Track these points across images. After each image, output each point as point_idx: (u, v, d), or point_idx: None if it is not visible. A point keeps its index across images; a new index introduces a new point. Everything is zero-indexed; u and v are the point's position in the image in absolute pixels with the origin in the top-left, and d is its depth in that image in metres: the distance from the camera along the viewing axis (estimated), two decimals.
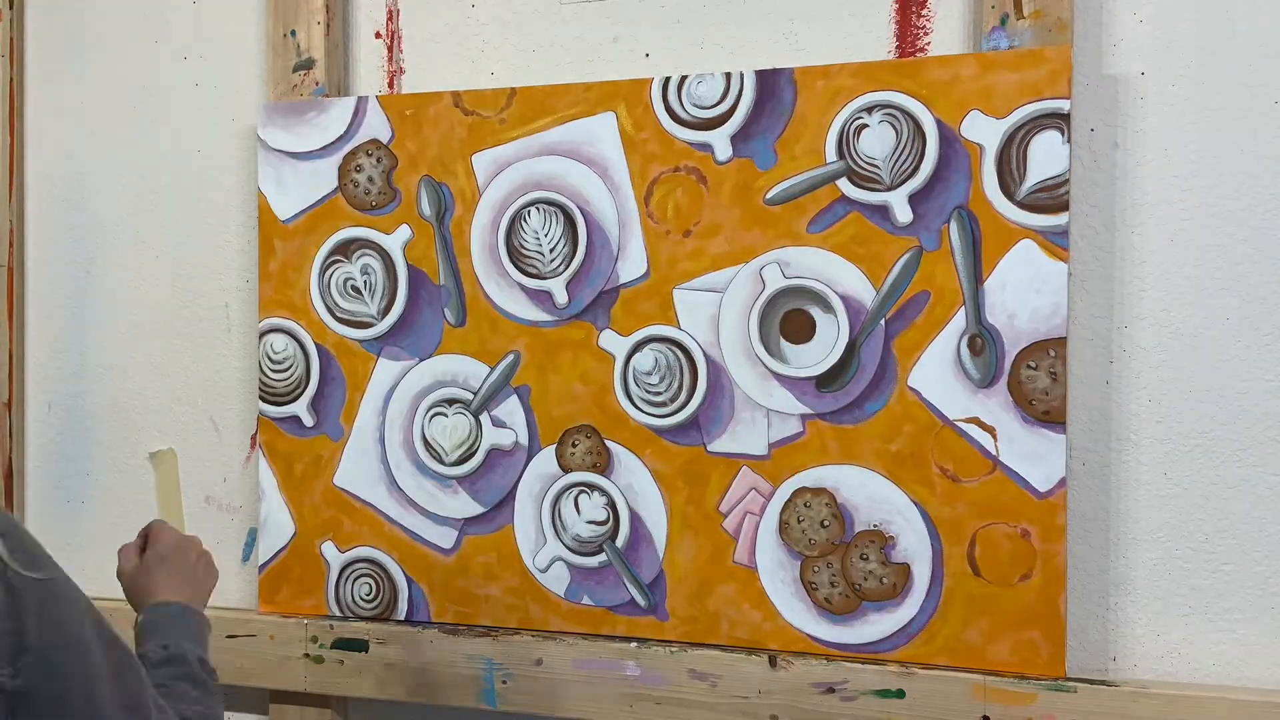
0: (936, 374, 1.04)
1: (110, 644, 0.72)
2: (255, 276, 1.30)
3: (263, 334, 1.27)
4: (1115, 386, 1.05)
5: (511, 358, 1.18)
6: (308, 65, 1.27)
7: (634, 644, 1.13)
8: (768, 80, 1.09)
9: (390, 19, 1.28)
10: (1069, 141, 1.00)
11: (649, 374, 1.13)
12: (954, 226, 1.04)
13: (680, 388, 1.13)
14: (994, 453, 1.02)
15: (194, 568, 0.98)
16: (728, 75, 1.10)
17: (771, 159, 1.09)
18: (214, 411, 1.36)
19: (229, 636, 1.25)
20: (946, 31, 1.09)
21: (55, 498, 1.43)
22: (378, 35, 1.29)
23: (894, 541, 1.06)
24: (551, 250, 1.16)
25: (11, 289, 1.42)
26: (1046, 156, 1.00)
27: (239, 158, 1.34)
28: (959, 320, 1.04)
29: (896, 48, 1.10)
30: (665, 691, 1.11)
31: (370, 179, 1.22)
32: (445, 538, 1.21)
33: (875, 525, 1.06)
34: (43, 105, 1.44)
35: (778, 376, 1.09)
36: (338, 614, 1.24)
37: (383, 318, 1.23)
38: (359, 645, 1.21)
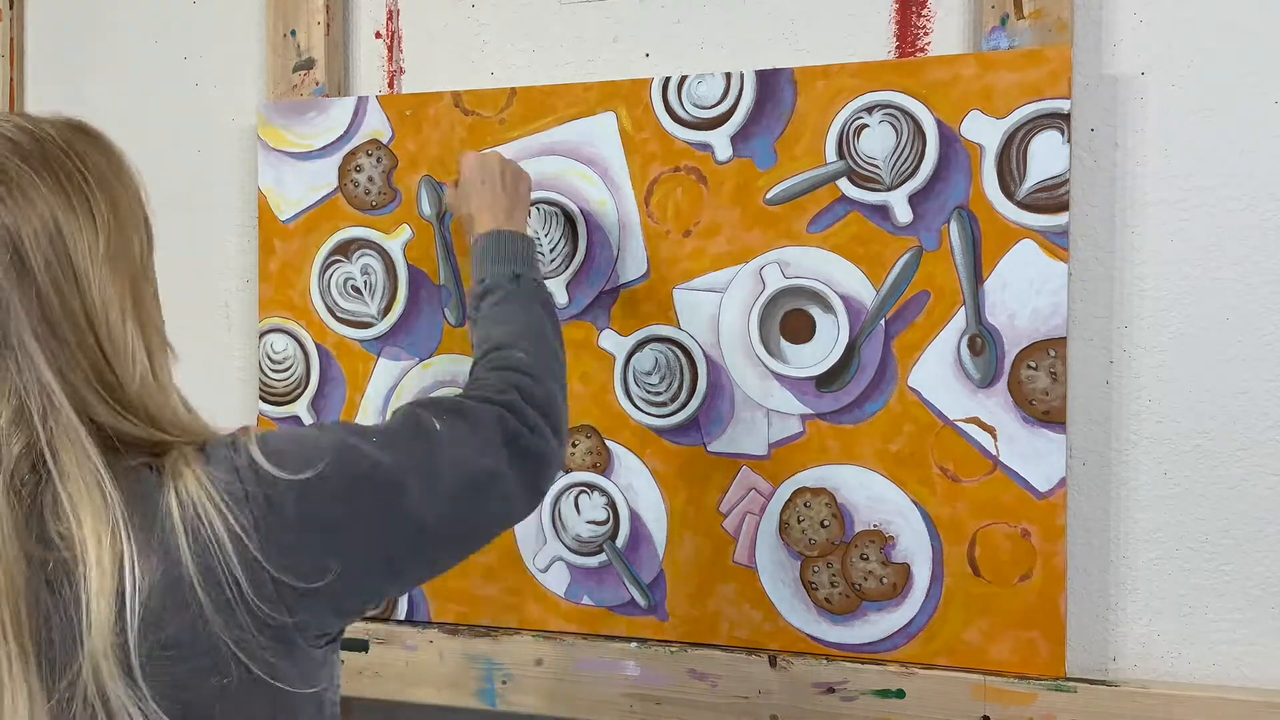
0: (936, 374, 1.04)
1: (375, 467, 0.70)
2: (255, 276, 1.30)
3: (263, 334, 1.27)
4: (1115, 386, 1.05)
5: None
6: (308, 65, 1.27)
7: (634, 644, 1.13)
8: (768, 80, 1.09)
9: (390, 19, 1.28)
10: (1069, 141, 1.00)
11: (649, 374, 1.13)
12: (954, 226, 1.04)
13: (680, 388, 1.13)
14: (994, 453, 1.02)
15: (500, 181, 0.99)
16: (728, 75, 1.10)
17: (771, 159, 1.09)
18: (214, 411, 1.35)
19: None
20: (946, 31, 1.09)
21: None
22: (378, 35, 1.29)
23: (894, 541, 1.06)
24: (552, 250, 1.16)
25: None
26: (1046, 156, 1.00)
27: (239, 158, 1.34)
28: (959, 320, 1.04)
29: (896, 48, 1.10)
30: (665, 691, 1.11)
31: (370, 179, 1.22)
32: None
33: (875, 525, 1.06)
34: (43, 105, 1.44)
35: (778, 376, 1.09)
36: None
37: (383, 318, 1.23)
38: (359, 645, 1.21)
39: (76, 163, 0.65)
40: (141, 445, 0.64)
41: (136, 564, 0.60)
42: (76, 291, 0.63)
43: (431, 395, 0.80)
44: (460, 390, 0.84)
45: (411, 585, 0.70)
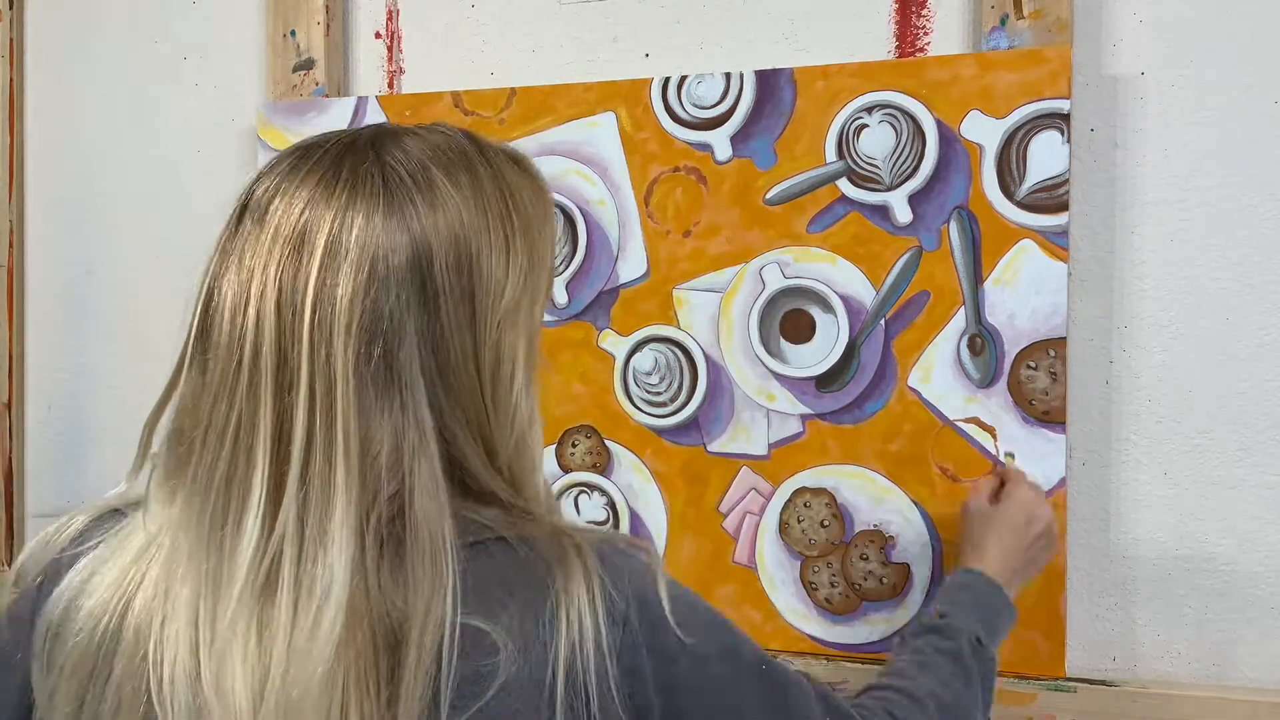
0: (936, 374, 1.04)
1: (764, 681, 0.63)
2: None
3: None
4: (1115, 386, 1.05)
5: None
6: (308, 65, 1.27)
7: None
8: (768, 80, 1.09)
9: (390, 19, 1.28)
10: (1069, 141, 1.00)
11: (649, 374, 1.13)
12: (954, 226, 1.04)
13: (680, 388, 1.13)
14: (994, 453, 1.02)
15: (1033, 540, 0.89)
16: (728, 75, 1.10)
17: (771, 159, 1.09)
18: None
19: None
20: (946, 31, 1.09)
21: (55, 498, 1.43)
22: (378, 35, 1.29)
23: (894, 541, 1.06)
24: (552, 252, 1.16)
25: (11, 289, 1.42)
26: (1046, 156, 1.00)
27: (239, 158, 1.34)
28: (959, 320, 1.04)
29: (896, 48, 1.10)
30: None
31: None
32: None
33: (875, 525, 1.06)
34: (43, 105, 1.44)
35: (778, 376, 1.09)
36: None
37: None
38: None
39: (507, 195, 0.60)
40: (497, 517, 0.58)
41: (463, 642, 0.54)
42: (472, 335, 0.57)
43: (827, 687, 0.68)
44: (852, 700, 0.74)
45: None
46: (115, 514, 0.64)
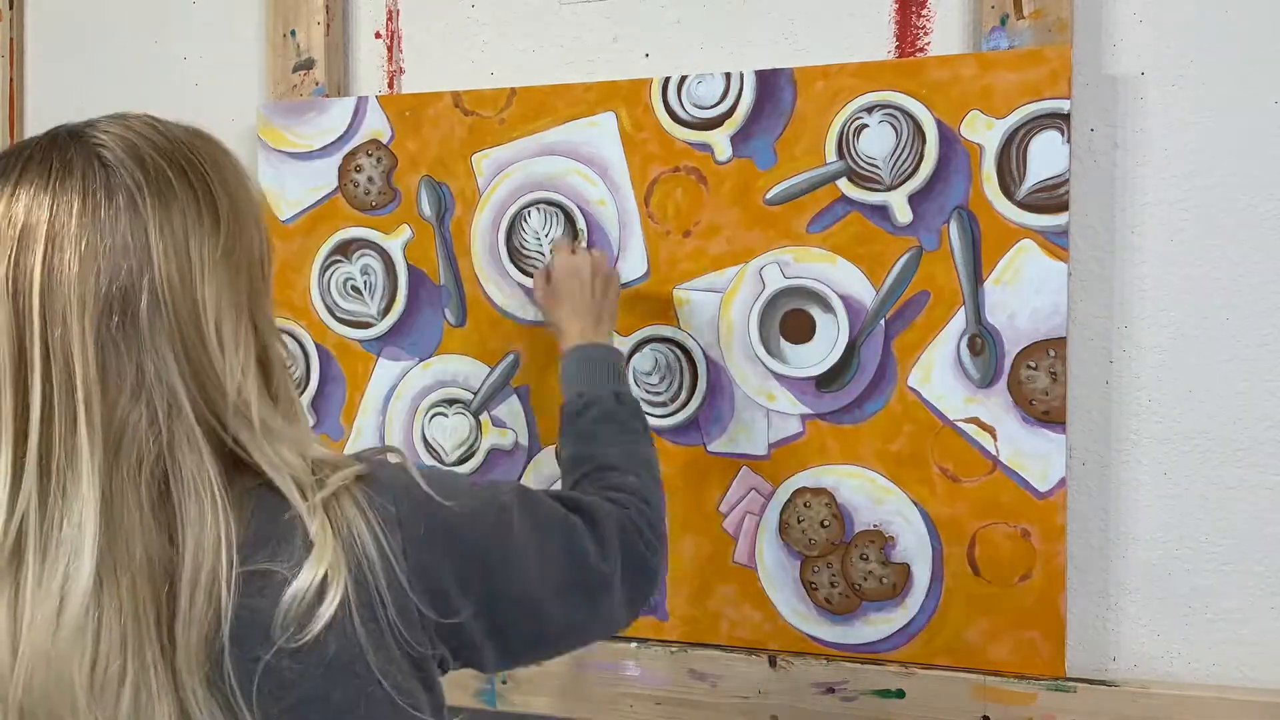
0: (936, 374, 1.04)
1: (521, 515, 0.71)
2: None
3: None
4: (1115, 386, 1.05)
5: (512, 358, 1.18)
6: (308, 65, 1.27)
7: (634, 644, 1.13)
8: (768, 80, 1.09)
9: (390, 19, 1.28)
10: (1069, 141, 1.00)
11: (649, 374, 1.13)
12: (954, 226, 1.04)
13: (680, 388, 1.13)
14: (994, 453, 1.02)
15: (590, 288, 0.99)
16: (728, 75, 1.10)
17: (771, 159, 1.09)
18: None
19: None
20: (946, 31, 1.09)
21: None
22: (378, 35, 1.29)
23: (894, 541, 1.06)
24: (552, 250, 1.16)
25: None
26: (1046, 156, 1.00)
27: (239, 157, 1.34)
28: (959, 320, 1.04)
29: (896, 48, 1.10)
30: (665, 691, 1.11)
31: (370, 179, 1.22)
32: None
33: (875, 525, 1.06)
34: (43, 105, 1.44)
35: (778, 376, 1.09)
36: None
37: (383, 318, 1.23)
38: None
39: (195, 160, 0.64)
40: (268, 461, 0.62)
41: (242, 584, 0.58)
42: (193, 292, 0.61)
43: (560, 491, 0.81)
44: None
45: (509, 660, 0.72)
46: None
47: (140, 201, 0.60)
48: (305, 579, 0.58)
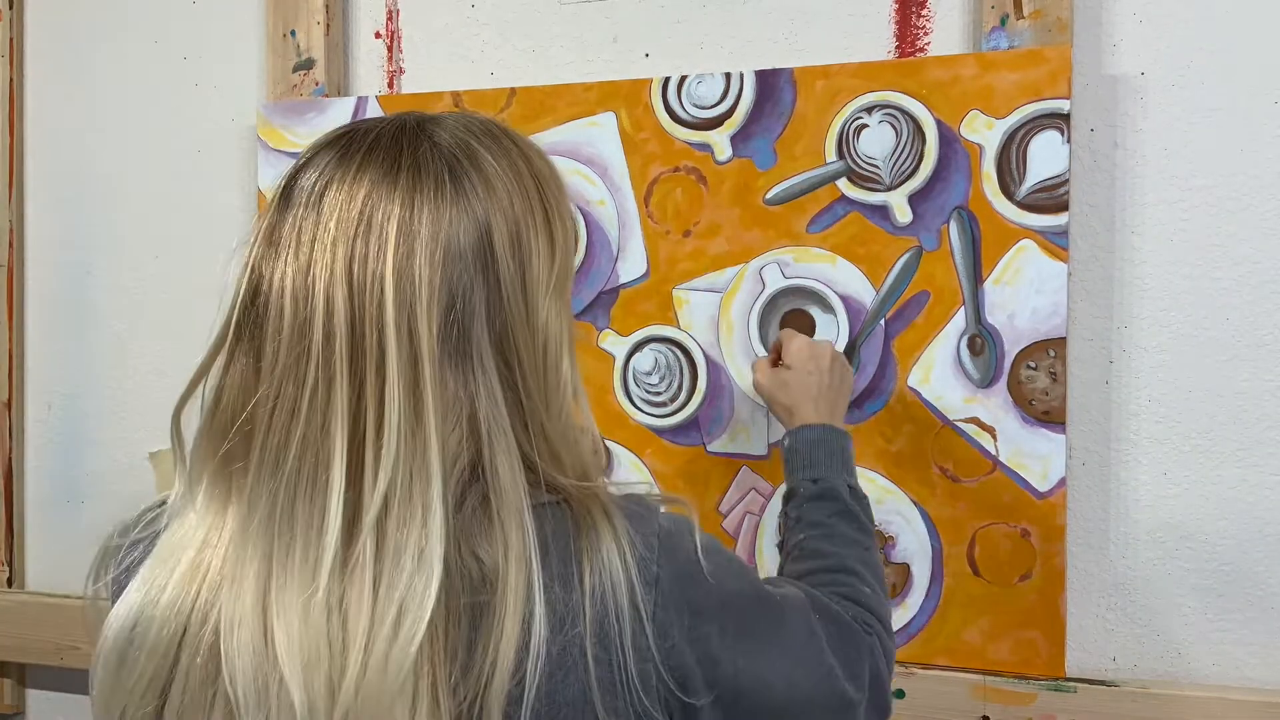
0: (936, 374, 1.04)
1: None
2: None
3: None
4: (1115, 386, 1.05)
5: None
6: (308, 65, 1.27)
7: None
8: (768, 80, 1.09)
9: (390, 19, 1.28)
10: (1069, 141, 1.00)
11: (649, 374, 1.13)
12: (954, 226, 1.04)
13: (680, 388, 1.13)
14: (994, 453, 1.02)
15: (829, 376, 0.92)
16: (728, 75, 1.10)
17: (771, 159, 1.09)
18: None
19: None
20: (946, 31, 1.09)
21: (55, 498, 1.43)
22: (378, 35, 1.29)
23: (894, 541, 1.06)
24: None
25: (11, 289, 1.42)
26: (1046, 156, 1.00)
27: (239, 158, 1.34)
28: (959, 320, 1.04)
29: (896, 48, 1.10)
30: None
31: None
32: None
33: (875, 525, 1.06)
34: (43, 105, 1.44)
35: None
36: None
37: None
38: None
39: (536, 176, 0.63)
40: (550, 484, 0.60)
41: (542, 609, 0.55)
42: (525, 308, 0.59)
43: (807, 588, 0.73)
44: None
45: None
46: (153, 511, 0.66)
47: (487, 214, 0.59)
48: (555, 610, 0.56)
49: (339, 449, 0.55)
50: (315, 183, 0.59)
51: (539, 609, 0.55)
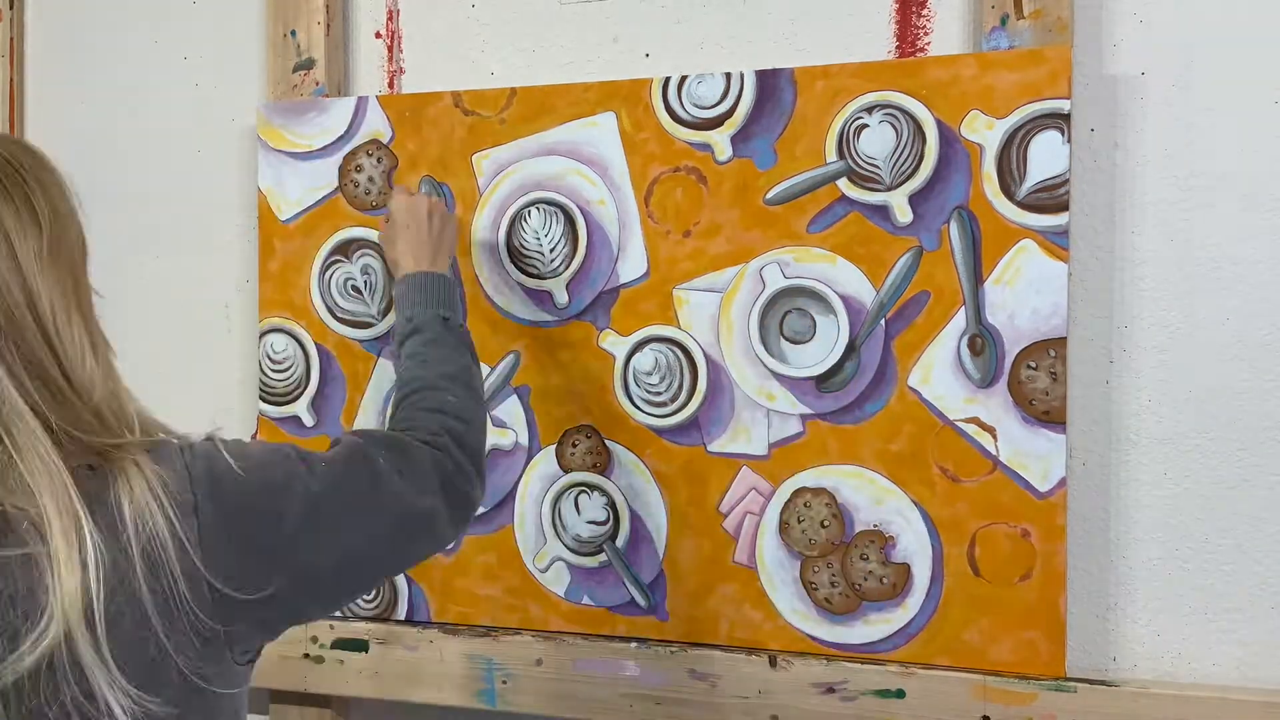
0: (936, 374, 1.04)
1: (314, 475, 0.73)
2: (255, 277, 1.30)
3: (263, 334, 1.27)
4: (1115, 386, 1.05)
5: (512, 358, 1.18)
6: (308, 65, 1.27)
7: (634, 644, 1.13)
8: (768, 80, 1.09)
9: (390, 19, 1.28)
10: (1069, 141, 1.00)
11: (649, 374, 1.13)
12: (954, 226, 1.04)
13: (680, 388, 1.13)
14: (994, 453, 1.02)
15: (426, 225, 1.03)
16: (728, 75, 1.10)
17: (771, 159, 1.09)
18: (214, 412, 1.35)
19: None
20: (946, 31, 1.09)
21: None
22: (378, 35, 1.29)
23: (894, 541, 1.06)
24: (552, 250, 1.16)
25: None
26: (1046, 156, 1.00)
27: (239, 158, 1.34)
28: (959, 320, 1.04)
29: (896, 48, 1.10)
30: (665, 691, 1.11)
31: (370, 179, 1.22)
32: None
33: (875, 525, 1.06)
34: (43, 105, 1.44)
35: (778, 376, 1.09)
36: (338, 614, 1.24)
37: (383, 318, 1.23)
38: (359, 645, 1.21)
39: (15, 165, 0.68)
40: (90, 444, 0.65)
41: (98, 542, 0.61)
42: (21, 284, 0.64)
43: (368, 429, 0.85)
44: (390, 426, 0.89)
45: (336, 609, 0.82)
46: None
47: None
48: (107, 550, 0.62)
49: None
50: None
51: (89, 540, 0.61)
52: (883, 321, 1.06)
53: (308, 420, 1.25)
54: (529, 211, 1.17)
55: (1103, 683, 1.01)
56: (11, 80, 1.42)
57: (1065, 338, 1.00)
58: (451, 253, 1.06)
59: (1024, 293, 1.01)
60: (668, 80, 1.12)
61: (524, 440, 1.18)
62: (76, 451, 0.64)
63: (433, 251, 1.02)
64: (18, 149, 0.70)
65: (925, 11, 1.09)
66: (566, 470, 1.16)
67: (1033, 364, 1.01)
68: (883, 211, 1.06)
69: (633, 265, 1.14)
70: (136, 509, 0.63)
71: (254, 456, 0.71)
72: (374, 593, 1.22)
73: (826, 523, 1.08)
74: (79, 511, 0.61)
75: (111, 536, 0.62)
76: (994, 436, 1.02)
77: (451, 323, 0.97)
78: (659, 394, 1.13)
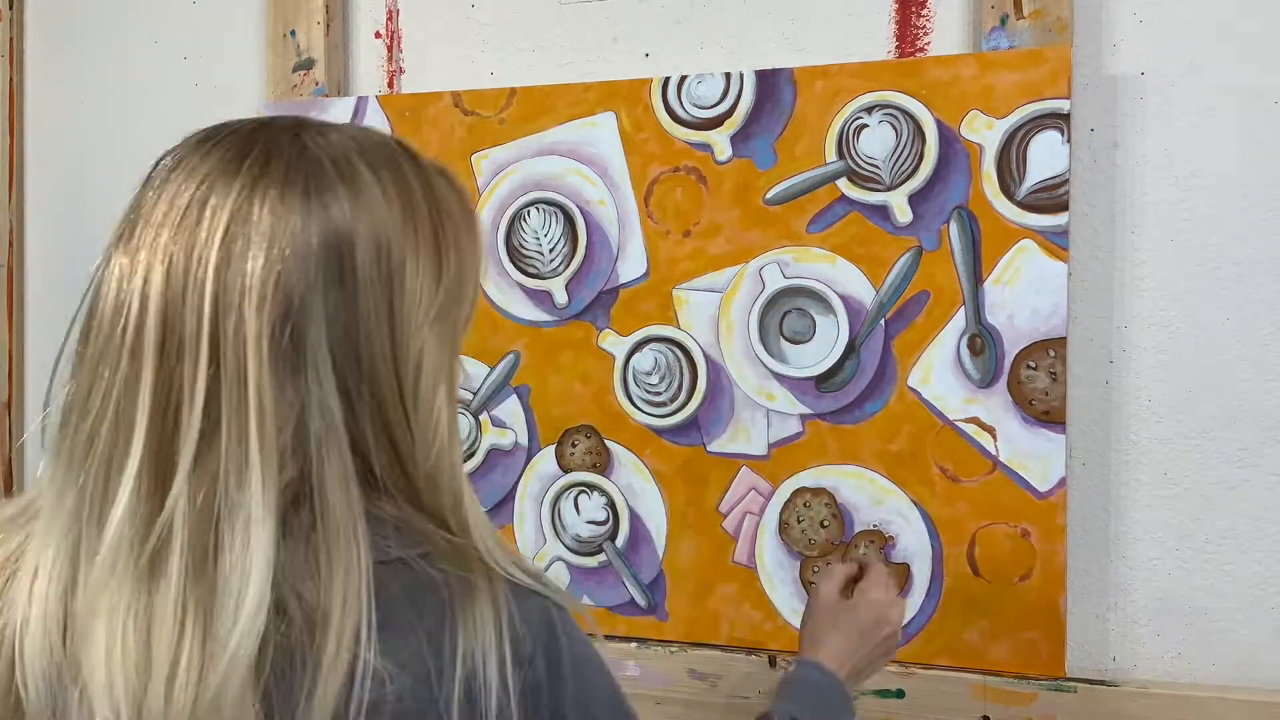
0: (936, 374, 1.04)
1: None
2: None
3: None
4: (1115, 386, 1.05)
5: (511, 358, 1.18)
6: (308, 65, 1.27)
7: (634, 644, 1.13)
8: (768, 80, 1.09)
9: (390, 19, 1.28)
10: (1069, 141, 1.00)
11: (649, 374, 1.13)
12: (954, 226, 1.04)
13: (680, 388, 1.13)
14: (994, 453, 1.02)
15: (876, 645, 0.86)
16: (728, 75, 1.10)
17: (771, 159, 1.09)
18: None
19: None
20: (946, 31, 1.09)
21: None
22: (378, 35, 1.29)
23: (894, 541, 1.06)
24: (551, 250, 1.16)
25: (11, 289, 1.42)
26: (1046, 156, 1.00)
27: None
28: (959, 320, 1.04)
29: (896, 48, 1.10)
30: (665, 691, 1.11)
31: None
32: None
33: (875, 525, 1.06)
34: (43, 105, 1.44)
35: (778, 376, 1.09)
36: None
37: None
38: None
39: (434, 205, 0.58)
40: (409, 530, 0.56)
41: (375, 656, 0.51)
42: (390, 330, 0.55)
43: None
44: None
45: None
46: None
47: (350, 223, 0.54)
48: (404, 670, 0.53)
49: (138, 446, 0.51)
50: (164, 166, 0.57)
51: (363, 652, 0.51)
52: (882, 321, 1.06)
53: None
54: (528, 211, 1.17)
55: (1103, 683, 1.01)
56: (11, 80, 1.42)
57: (1065, 338, 1.00)
58: (861, 683, 0.89)
59: (1024, 293, 1.01)
60: (667, 80, 1.12)
61: (523, 440, 1.18)
62: (397, 537, 0.55)
63: (857, 670, 0.85)
64: (439, 177, 0.60)
65: (925, 11, 1.09)
66: (566, 470, 1.16)
67: (1032, 364, 1.01)
68: (882, 211, 1.06)
69: (632, 265, 1.14)
70: (471, 645, 0.53)
71: (593, 660, 0.60)
72: None
73: (826, 523, 1.08)
74: (364, 611, 0.51)
75: (416, 663, 0.53)
76: (994, 436, 1.02)
77: None
78: (659, 394, 1.13)
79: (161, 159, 0.58)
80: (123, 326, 0.52)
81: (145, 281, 0.52)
